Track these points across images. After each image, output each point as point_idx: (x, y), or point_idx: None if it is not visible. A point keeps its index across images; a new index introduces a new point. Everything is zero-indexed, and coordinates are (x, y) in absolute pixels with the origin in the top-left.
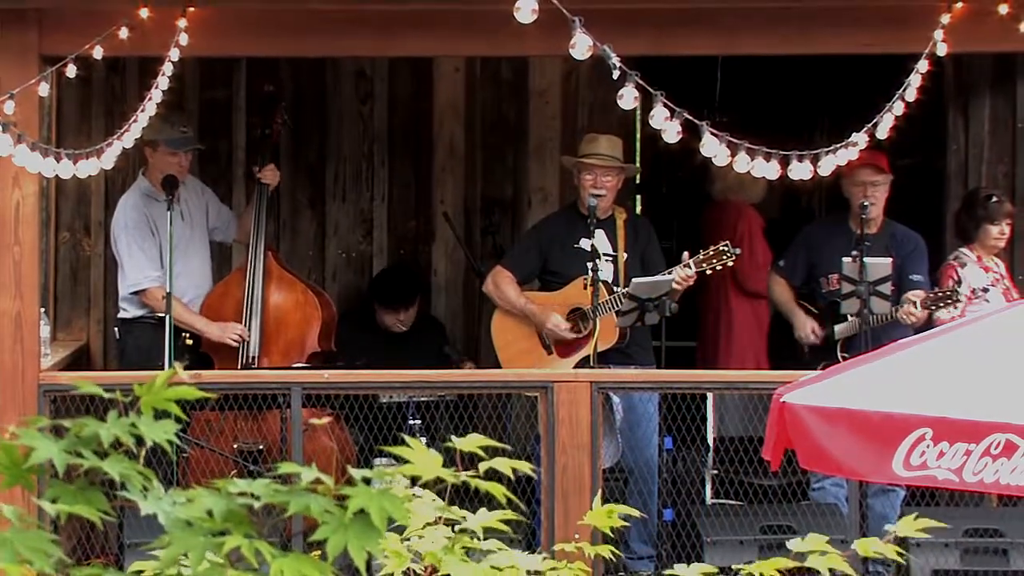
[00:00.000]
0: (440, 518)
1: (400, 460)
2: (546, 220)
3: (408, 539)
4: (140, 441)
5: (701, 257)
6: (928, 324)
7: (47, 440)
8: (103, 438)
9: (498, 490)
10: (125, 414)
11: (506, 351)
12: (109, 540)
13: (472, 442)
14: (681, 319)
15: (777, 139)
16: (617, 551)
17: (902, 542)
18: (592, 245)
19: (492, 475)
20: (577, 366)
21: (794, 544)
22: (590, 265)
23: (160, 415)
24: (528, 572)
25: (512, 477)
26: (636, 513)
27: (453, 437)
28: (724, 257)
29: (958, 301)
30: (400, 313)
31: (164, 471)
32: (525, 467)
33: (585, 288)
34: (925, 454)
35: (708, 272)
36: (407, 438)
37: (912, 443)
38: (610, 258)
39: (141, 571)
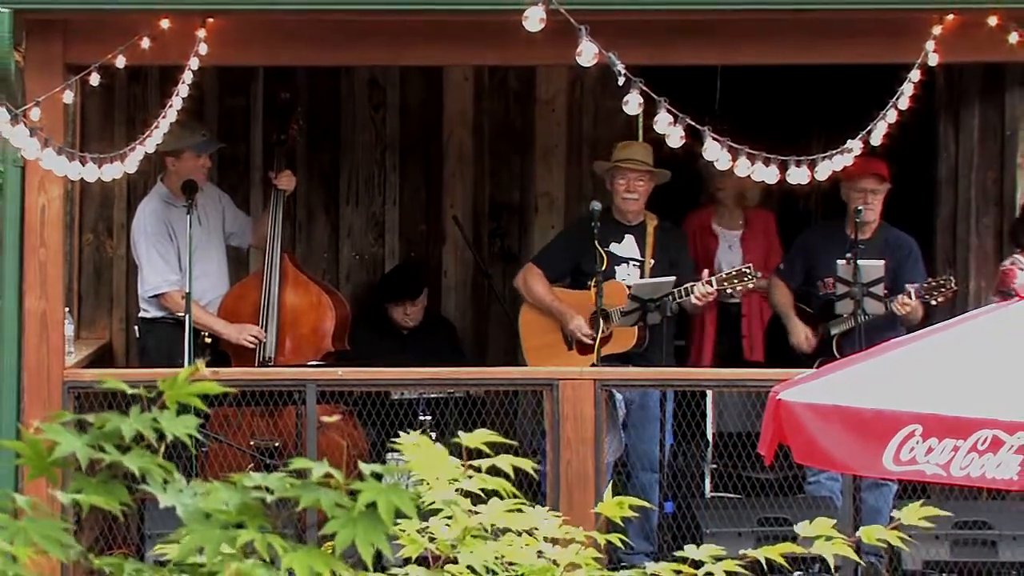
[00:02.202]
0: (460, 489)
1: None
2: (579, 222)
3: (426, 504)
4: (161, 436)
5: (724, 276)
6: (926, 321)
7: (71, 434)
8: (125, 433)
9: (504, 487)
10: (147, 410)
11: (530, 342)
12: (130, 531)
13: (478, 438)
14: (681, 318)
15: (774, 145)
16: (627, 539)
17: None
18: (607, 253)
19: (499, 471)
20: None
21: (800, 528)
22: (598, 269)
23: (181, 410)
24: (544, 539)
25: (512, 476)
26: (648, 505)
27: (460, 433)
28: (746, 279)
29: (953, 289)
30: (407, 307)
31: (183, 465)
32: (527, 465)
33: (588, 289)
34: (914, 450)
35: (728, 292)
36: (415, 434)
37: (902, 439)
38: (637, 263)
39: (162, 559)
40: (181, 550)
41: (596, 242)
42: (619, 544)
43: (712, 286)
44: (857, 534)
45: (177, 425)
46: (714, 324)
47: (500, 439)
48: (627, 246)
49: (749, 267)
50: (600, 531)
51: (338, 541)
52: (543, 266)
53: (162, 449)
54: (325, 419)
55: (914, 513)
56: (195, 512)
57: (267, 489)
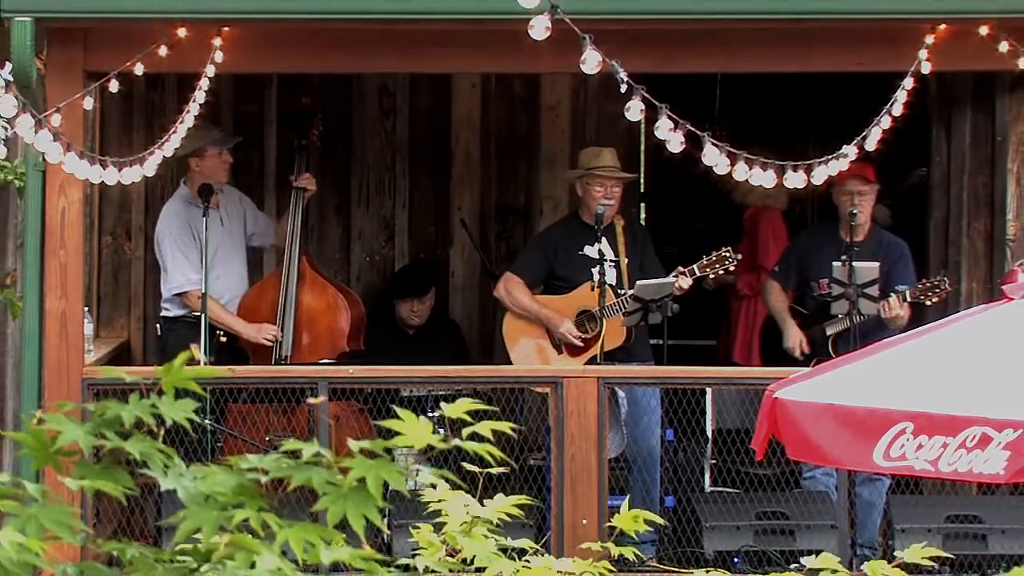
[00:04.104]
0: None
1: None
2: (550, 228)
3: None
4: (161, 421)
5: (704, 263)
6: (918, 323)
7: (73, 423)
8: (125, 419)
9: (486, 450)
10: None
11: (518, 351)
12: (148, 524)
13: (460, 408)
14: (682, 318)
15: (771, 151)
16: (640, 554)
17: (888, 527)
18: (600, 251)
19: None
20: (586, 364)
21: (808, 562)
22: (596, 270)
23: (180, 395)
24: (559, 572)
25: (492, 438)
26: (657, 519)
27: (443, 404)
28: (726, 262)
29: (947, 290)
30: (414, 303)
31: (200, 460)
32: (505, 427)
33: (592, 291)
34: (904, 447)
35: (711, 276)
36: (397, 408)
37: (893, 436)
38: (613, 263)
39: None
40: (180, 531)
41: (586, 245)
42: (633, 559)
43: (695, 273)
44: (863, 569)
45: (175, 409)
46: (760, 324)
47: (481, 406)
48: (604, 247)
49: (728, 250)
50: (600, 529)
51: (329, 516)
52: (522, 273)
53: (161, 434)
54: (311, 400)
55: (916, 554)
56: (195, 495)
57: (263, 470)
